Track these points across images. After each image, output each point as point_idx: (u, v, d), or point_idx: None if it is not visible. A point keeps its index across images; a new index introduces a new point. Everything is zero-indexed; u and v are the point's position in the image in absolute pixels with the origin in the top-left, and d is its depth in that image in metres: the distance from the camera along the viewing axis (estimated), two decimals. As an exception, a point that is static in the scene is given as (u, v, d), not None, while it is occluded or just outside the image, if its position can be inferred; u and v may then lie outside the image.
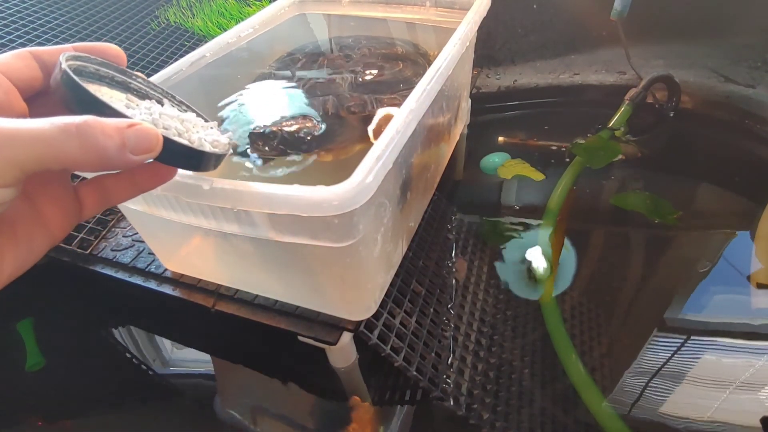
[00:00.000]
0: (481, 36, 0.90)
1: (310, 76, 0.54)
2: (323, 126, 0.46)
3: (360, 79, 0.52)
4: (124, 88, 0.26)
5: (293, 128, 0.45)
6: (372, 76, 0.53)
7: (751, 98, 0.84)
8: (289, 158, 0.44)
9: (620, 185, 0.78)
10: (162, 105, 0.26)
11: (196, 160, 0.23)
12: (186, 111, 0.29)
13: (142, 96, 0.27)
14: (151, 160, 0.21)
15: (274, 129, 0.44)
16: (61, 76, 0.20)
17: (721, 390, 0.51)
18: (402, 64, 0.55)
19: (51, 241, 0.21)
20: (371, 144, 0.45)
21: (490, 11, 0.59)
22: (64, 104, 0.21)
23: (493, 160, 0.83)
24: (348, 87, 0.51)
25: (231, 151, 0.28)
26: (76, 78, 0.20)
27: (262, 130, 0.44)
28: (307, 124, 0.45)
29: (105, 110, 0.20)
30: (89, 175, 0.34)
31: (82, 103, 0.20)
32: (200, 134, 0.25)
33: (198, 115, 0.29)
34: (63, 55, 0.21)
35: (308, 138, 0.44)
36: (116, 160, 0.19)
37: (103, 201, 0.23)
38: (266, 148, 0.44)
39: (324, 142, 0.46)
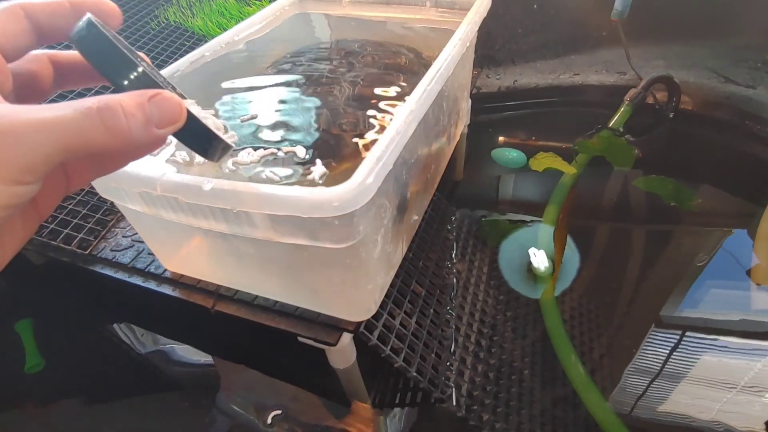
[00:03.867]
0: (481, 36, 0.90)
1: (309, 83, 0.52)
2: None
3: (357, 92, 0.50)
4: None
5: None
6: (370, 91, 0.50)
7: (752, 99, 0.84)
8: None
9: (621, 186, 0.78)
10: None
11: (209, 144, 0.22)
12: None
13: None
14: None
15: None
16: (87, 27, 0.19)
17: (723, 390, 0.51)
18: (402, 78, 0.52)
19: (40, 220, 0.20)
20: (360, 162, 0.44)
21: (490, 11, 0.59)
22: (89, 60, 0.19)
23: (512, 155, 0.84)
24: (344, 100, 0.48)
25: (235, 147, 0.27)
26: (105, 32, 0.19)
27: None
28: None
29: (132, 71, 0.19)
30: None
31: (110, 61, 0.19)
32: (212, 121, 0.24)
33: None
34: (87, 14, 0.20)
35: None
36: (143, 138, 0.18)
37: (94, 174, 0.21)
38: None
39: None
